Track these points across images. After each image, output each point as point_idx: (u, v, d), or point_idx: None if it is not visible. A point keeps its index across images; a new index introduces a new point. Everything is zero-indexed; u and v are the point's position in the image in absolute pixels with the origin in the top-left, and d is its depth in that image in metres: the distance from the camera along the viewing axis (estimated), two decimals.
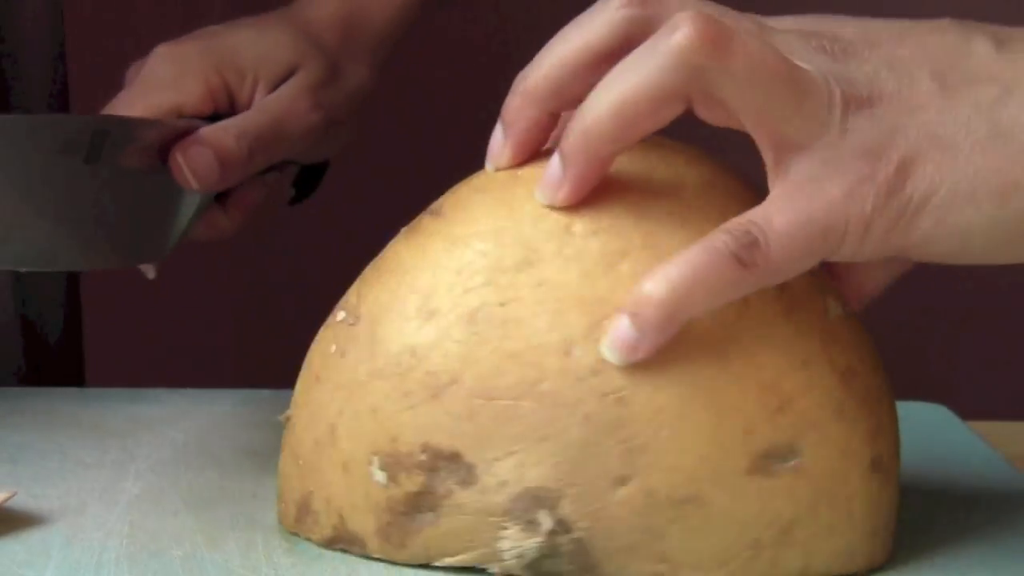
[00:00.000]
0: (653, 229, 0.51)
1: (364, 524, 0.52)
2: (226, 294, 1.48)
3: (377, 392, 0.51)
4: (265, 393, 0.74)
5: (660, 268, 0.49)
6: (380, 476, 0.51)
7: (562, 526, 0.49)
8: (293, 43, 0.74)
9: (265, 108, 0.72)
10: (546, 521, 0.49)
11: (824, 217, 0.49)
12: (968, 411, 0.74)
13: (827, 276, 0.54)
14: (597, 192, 0.52)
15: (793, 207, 0.49)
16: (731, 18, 0.50)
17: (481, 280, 0.51)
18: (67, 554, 0.52)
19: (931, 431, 0.71)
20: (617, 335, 0.49)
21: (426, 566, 0.51)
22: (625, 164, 0.53)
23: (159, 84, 0.71)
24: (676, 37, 0.48)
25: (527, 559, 0.49)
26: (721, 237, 0.49)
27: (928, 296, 1.37)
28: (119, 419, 0.69)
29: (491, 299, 0.50)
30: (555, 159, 0.51)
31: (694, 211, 0.52)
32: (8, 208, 0.62)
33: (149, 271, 0.70)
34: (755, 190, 0.53)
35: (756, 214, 0.49)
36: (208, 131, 0.68)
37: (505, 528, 0.49)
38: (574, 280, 0.50)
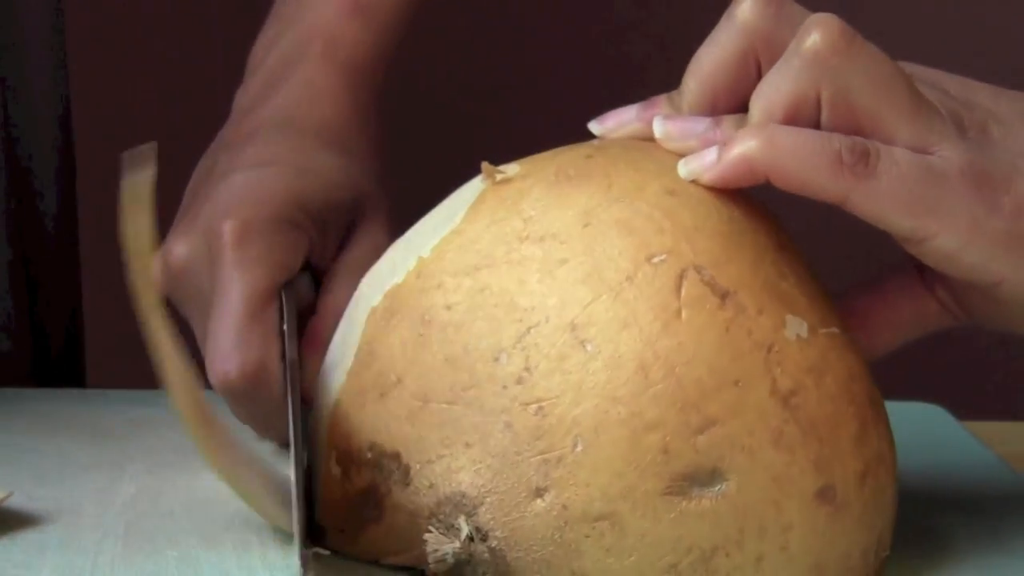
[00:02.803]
0: (598, 237, 0.50)
1: (326, 517, 0.53)
2: None
3: (342, 387, 0.52)
4: None
5: (771, 124, 0.51)
6: (336, 471, 0.52)
7: (479, 534, 0.49)
8: (347, 180, 0.65)
9: (357, 277, 0.59)
10: (464, 527, 0.49)
11: (939, 193, 0.50)
12: (963, 411, 0.74)
13: (798, 292, 0.52)
14: (558, 199, 0.52)
15: (918, 159, 0.51)
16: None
17: (435, 282, 0.51)
18: (62, 555, 0.52)
19: (926, 431, 0.71)
20: (703, 157, 0.52)
21: (409, 568, 0.51)
22: (594, 169, 0.52)
23: (260, 268, 0.59)
24: (808, 41, 0.51)
25: (447, 564, 0.50)
26: (836, 135, 0.51)
27: None
28: (117, 420, 0.69)
29: (439, 301, 0.51)
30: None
31: (644, 219, 0.51)
32: None
33: None
34: (729, 200, 0.52)
35: (879, 143, 0.51)
36: (320, 334, 0.60)
37: (429, 531, 0.50)
38: (512, 287, 0.50)
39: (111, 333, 1.14)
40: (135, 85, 1.28)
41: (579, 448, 0.48)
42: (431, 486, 0.50)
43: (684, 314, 0.49)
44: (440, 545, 0.50)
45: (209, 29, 1.25)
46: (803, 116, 0.51)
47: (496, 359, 0.49)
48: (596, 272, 0.50)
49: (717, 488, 0.48)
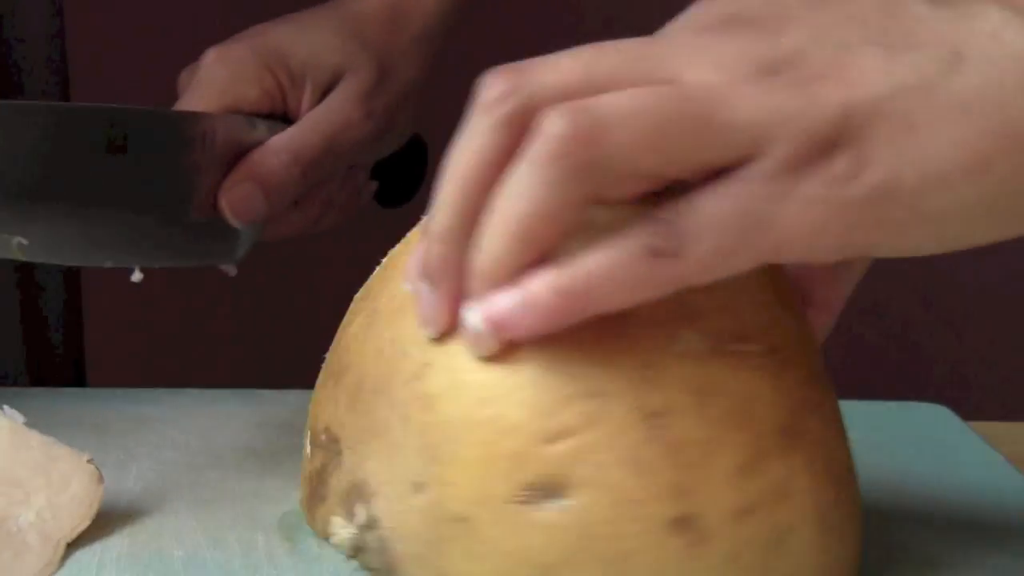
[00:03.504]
0: None
1: (303, 494, 0.55)
2: (227, 294, 1.48)
3: (321, 371, 0.54)
4: (266, 393, 0.74)
5: (576, 262, 0.44)
6: (307, 450, 0.54)
7: (372, 523, 0.50)
8: (341, 44, 0.73)
9: (316, 125, 0.71)
10: (361, 514, 0.50)
11: (759, 208, 0.43)
12: (969, 411, 0.74)
13: (715, 305, 0.47)
14: None
15: (725, 193, 0.43)
16: (601, 59, 0.45)
17: (393, 273, 0.52)
18: (68, 553, 0.52)
19: (932, 431, 0.71)
20: (496, 310, 0.45)
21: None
22: None
23: (214, 87, 0.70)
24: (547, 148, 0.43)
25: (349, 549, 0.50)
26: (633, 227, 0.44)
27: (929, 295, 1.37)
28: (120, 419, 0.69)
29: (388, 292, 0.51)
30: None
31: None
32: (30, 197, 0.61)
33: (230, 270, 0.70)
34: None
35: (679, 200, 0.44)
36: (257, 161, 0.68)
37: (337, 515, 0.51)
38: None
39: (111, 333, 1.14)
40: (134, 85, 1.28)
41: (450, 446, 0.48)
42: (350, 471, 0.51)
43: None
44: (340, 529, 0.51)
45: (208, 31, 1.25)
46: (569, 221, 0.45)
47: (406, 353, 0.49)
48: None
49: (564, 502, 0.46)
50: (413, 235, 0.54)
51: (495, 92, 0.45)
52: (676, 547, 0.46)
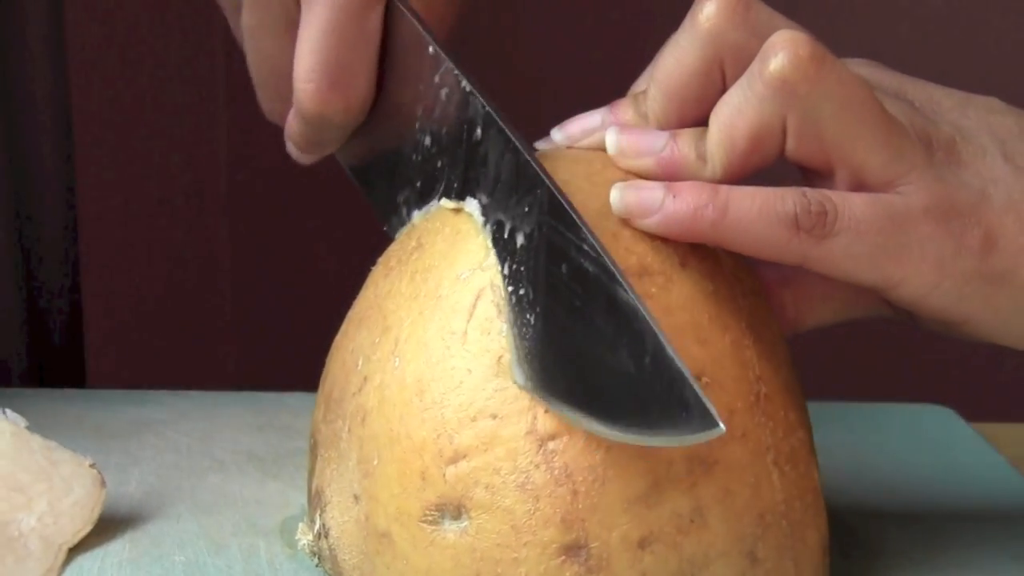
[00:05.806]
0: (451, 246, 0.49)
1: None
2: (227, 294, 1.48)
3: None
4: (268, 396, 0.74)
5: (724, 188, 0.47)
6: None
7: (325, 531, 0.50)
8: None
9: None
10: (317, 521, 0.51)
11: (903, 240, 0.47)
12: (972, 412, 0.74)
13: None
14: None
15: (879, 207, 0.48)
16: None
17: (368, 284, 0.52)
18: (70, 558, 0.52)
19: (935, 432, 0.71)
20: (643, 197, 0.48)
21: None
22: None
23: None
24: (774, 64, 0.47)
25: (310, 555, 0.52)
26: (791, 194, 0.47)
27: None
28: (121, 421, 0.69)
29: (360, 306, 0.52)
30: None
31: (475, 227, 0.49)
32: None
33: None
34: (723, 276, 0.49)
35: (837, 193, 0.48)
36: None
37: (303, 520, 0.52)
38: (383, 293, 0.50)
39: (111, 333, 1.14)
40: (134, 85, 1.28)
41: (376, 462, 0.48)
42: (317, 478, 0.51)
43: (469, 336, 0.47)
44: (302, 535, 0.52)
45: (208, 31, 1.26)
46: (767, 144, 0.48)
47: (357, 365, 0.50)
48: (426, 284, 0.49)
49: (462, 525, 0.46)
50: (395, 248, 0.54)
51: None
52: (572, 574, 0.45)
